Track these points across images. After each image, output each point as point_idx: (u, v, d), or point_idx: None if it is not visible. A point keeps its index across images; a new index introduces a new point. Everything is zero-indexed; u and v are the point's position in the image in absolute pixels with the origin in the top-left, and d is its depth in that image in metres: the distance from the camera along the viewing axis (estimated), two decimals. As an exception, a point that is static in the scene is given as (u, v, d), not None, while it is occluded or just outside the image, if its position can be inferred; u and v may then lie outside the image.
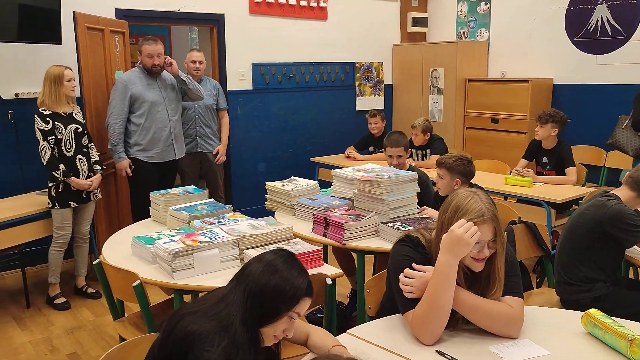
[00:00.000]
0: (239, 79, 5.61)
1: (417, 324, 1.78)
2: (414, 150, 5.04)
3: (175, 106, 4.33)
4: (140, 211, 4.19)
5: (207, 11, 5.31)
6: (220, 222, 2.79)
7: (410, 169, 3.64)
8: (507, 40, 6.16)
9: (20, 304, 3.90)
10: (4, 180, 4.37)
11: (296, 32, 5.91)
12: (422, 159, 5.07)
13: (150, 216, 3.28)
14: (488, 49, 6.33)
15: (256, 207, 5.61)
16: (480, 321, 1.80)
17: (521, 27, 5.99)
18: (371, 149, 5.60)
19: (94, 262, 2.59)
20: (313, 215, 2.99)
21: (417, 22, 6.78)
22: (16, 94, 4.40)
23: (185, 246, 2.37)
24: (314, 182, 3.43)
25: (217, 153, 4.91)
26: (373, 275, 3.78)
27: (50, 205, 3.73)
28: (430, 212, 3.06)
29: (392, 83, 6.86)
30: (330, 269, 2.46)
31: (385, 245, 2.76)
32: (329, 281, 2.33)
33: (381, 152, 5.46)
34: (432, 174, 3.85)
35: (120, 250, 2.71)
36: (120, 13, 4.82)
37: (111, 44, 4.46)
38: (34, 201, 3.96)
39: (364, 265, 2.88)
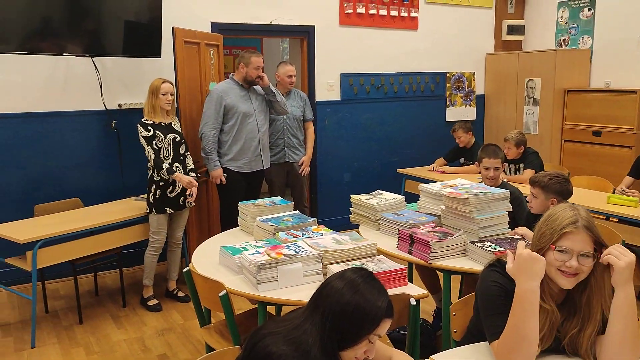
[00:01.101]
0: (327, 89, 5.65)
1: (502, 354, 1.68)
2: (506, 165, 4.83)
3: (264, 117, 4.43)
4: (228, 219, 4.32)
5: (298, 23, 5.40)
6: (305, 234, 2.80)
7: (503, 185, 3.49)
8: (613, 48, 5.76)
9: (118, 303, 4.13)
10: (107, 185, 4.66)
11: (386, 42, 5.87)
12: (515, 174, 4.85)
13: (237, 225, 3.36)
14: (591, 58, 5.95)
15: (340, 217, 5.62)
16: None
17: (629, 34, 5.58)
18: (462, 160, 5.44)
19: (184, 270, 2.68)
20: (398, 231, 2.92)
21: (512, 30, 6.52)
22: (119, 105, 4.68)
23: (270, 259, 2.39)
24: (400, 197, 3.37)
25: (302, 164, 4.97)
26: (459, 295, 3.68)
27: (147, 211, 3.93)
28: (524, 232, 2.90)
29: (484, 93, 6.64)
30: (414, 289, 2.38)
31: (474, 266, 2.65)
32: (413, 302, 2.26)
33: (471, 164, 5.31)
34: (525, 189, 3.66)
35: (208, 259, 2.78)
36: (216, 27, 5.01)
37: (206, 56, 4.64)
38: (132, 206, 4.18)
39: (450, 286, 2.78)
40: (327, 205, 5.76)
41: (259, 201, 3.35)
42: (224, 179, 4.27)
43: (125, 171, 4.69)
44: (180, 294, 4.18)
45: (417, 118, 6.21)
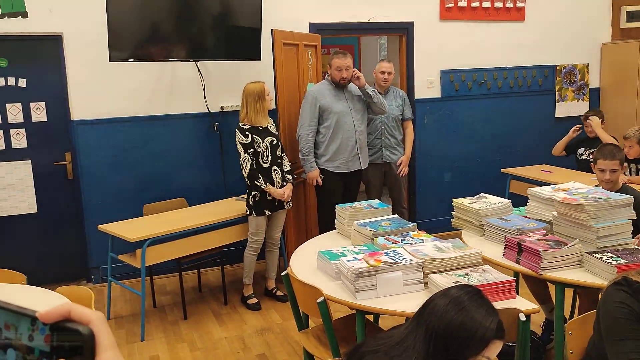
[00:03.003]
0: (427, 86, 5.47)
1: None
2: (626, 164, 4.41)
3: (361, 117, 4.36)
4: (326, 220, 4.30)
5: (397, 20, 5.27)
6: (404, 240, 2.71)
7: (623, 188, 3.17)
8: None
9: (219, 301, 4.25)
10: (210, 185, 4.83)
11: (489, 36, 5.59)
12: (637, 174, 4.42)
13: (335, 226, 3.33)
14: None
15: (440, 219, 5.45)
16: None
17: None
18: (581, 150, 5.03)
19: (282, 274, 2.68)
20: (505, 238, 2.74)
21: (633, 16, 5.96)
22: (221, 107, 4.82)
23: (368, 266, 2.33)
24: (507, 201, 3.17)
25: (401, 164, 4.85)
26: (571, 309, 3.40)
27: (247, 213, 4.00)
28: (649, 243, 2.62)
29: (599, 86, 6.13)
30: (524, 303, 2.21)
31: (591, 279, 2.42)
32: (522, 317, 2.10)
33: (592, 154, 4.92)
34: (651, 193, 3.32)
35: (307, 262, 2.76)
36: (314, 27, 5.01)
37: (304, 57, 4.65)
38: (233, 207, 4.29)
39: (564, 300, 2.56)
40: (426, 206, 5.59)
41: (356, 204, 3.29)
42: (320, 180, 4.26)
43: (227, 171, 4.83)
44: (279, 293, 4.23)
45: (523, 115, 5.86)
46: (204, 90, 4.72)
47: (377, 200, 3.39)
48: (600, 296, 1.74)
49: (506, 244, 2.70)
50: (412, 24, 5.33)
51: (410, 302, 2.28)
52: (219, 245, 4.09)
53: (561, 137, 5.16)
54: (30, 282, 2.91)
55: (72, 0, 4.32)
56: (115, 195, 4.62)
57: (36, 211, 4.53)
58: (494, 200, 3.20)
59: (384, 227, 2.90)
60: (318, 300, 2.32)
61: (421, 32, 5.36)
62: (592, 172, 4.65)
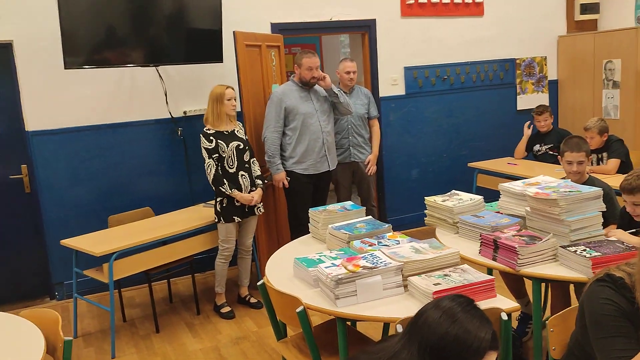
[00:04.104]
0: (391, 84, 5.47)
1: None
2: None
3: (327, 117, 4.32)
4: (297, 223, 4.26)
5: (359, 17, 5.25)
6: (381, 242, 2.68)
7: (590, 180, 3.22)
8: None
9: (191, 311, 4.15)
10: (175, 192, 4.70)
11: (450, 32, 5.63)
12: (598, 164, 4.52)
13: (307, 230, 3.27)
14: (676, 33, 5.48)
15: (410, 214, 5.46)
16: None
17: None
18: (537, 147, 5.13)
19: (258, 283, 2.61)
20: (480, 235, 2.74)
21: (586, 9, 6.10)
22: (184, 112, 4.70)
23: (347, 272, 2.28)
24: (479, 197, 3.18)
25: (369, 163, 4.83)
26: (545, 301, 3.44)
27: (216, 220, 3.91)
28: (619, 235, 2.66)
29: (557, 78, 6.26)
30: (505, 302, 2.21)
31: (566, 272, 2.44)
32: (504, 316, 2.09)
33: (548, 150, 5.02)
34: (612, 181, 3.41)
35: (282, 270, 2.70)
36: (276, 27, 4.94)
37: (267, 58, 4.57)
38: (201, 214, 4.18)
39: (541, 295, 2.57)
40: (396, 203, 5.60)
41: (330, 207, 3.25)
42: (286, 183, 4.20)
43: (192, 177, 4.72)
44: (253, 300, 4.15)
45: (486, 108, 5.93)
46: (166, 95, 4.59)
47: (350, 202, 3.35)
48: (584, 291, 1.74)
49: (482, 242, 2.70)
50: (374, 21, 5.32)
51: (391, 306, 2.25)
52: (189, 255, 3.99)
53: (522, 130, 5.24)
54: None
55: (22, 5, 4.13)
56: (76, 207, 4.45)
57: (-7, 228, 4.32)
58: (466, 197, 3.21)
59: (359, 229, 2.87)
60: (297, 310, 2.26)
61: (383, 30, 5.36)
62: (553, 163, 4.78)
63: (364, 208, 3.23)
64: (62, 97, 4.33)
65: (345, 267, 2.33)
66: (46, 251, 4.44)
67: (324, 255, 2.59)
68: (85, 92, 4.39)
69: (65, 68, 3.92)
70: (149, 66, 4.38)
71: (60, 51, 3.90)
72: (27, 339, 2.18)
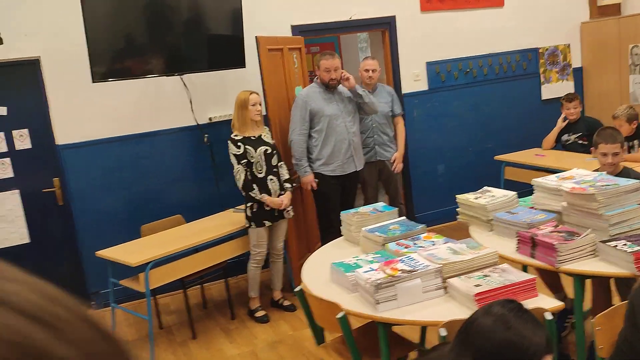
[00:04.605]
0: (414, 80, 5.44)
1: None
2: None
3: (352, 118, 4.32)
4: (326, 225, 4.27)
5: (378, 15, 5.23)
6: (416, 244, 2.67)
7: (624, 171, 3.17)
8: None
9: (226, 316, 4.18)
10: (204, 198, 4.74)
11: (471, 24, 5.57)
12: (628, 152, 4.45)
13: (337, 231, 3.28)
14: None
15: (437, 210, 5.44)
16: None
17: None
18: (565, 136, 5.05)
19: (296, 289, 2.63)
20: (517, 233, 2.72)
21: (609, -7, 5.99)
22: (210, 118, 4.73)
23: (386, 276, 2.28)
24: (512, 194, 3.14)
25: (394, 160, 4.82)
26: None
27: (247, 225, 3.93)
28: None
29: (581, 65, 6.16)
30: (548, 301, 2.19)
31: (608, 268, 2.41)
32: (548, 316, 2.07)
33: (577, 139, 4.94)
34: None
35: (318, 275, 2.71)
36: (296, 29, 4.94)
37: (290, 60, 4.58)
38: (231, 219, 4.21)
39: (583, 292, 2.54)
40: (423, 200, 5.57)
41: (361, 209, 3.25)
42: (314, 185, 4.21)
43: (220, 183, 4.75)
44: (286, 303, 4.18)
45: (510, 100, 5.87)
46: (191, 102, 4.63)
47: (381, 204, 3.35)
48: (634, 288, 1.72)
49: (519, 240, 2.68)
50: (393, 18, 5.29)
51: (432, 309, 2.25)
52: (222, 261, 4.02)
53: (549, 120, 5.17)
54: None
55: (47, 23, 4.19)
56: (109, 217, 4.52)
57: (29, 241, 4.41)
58: (499, 194, 3.18)
59: (393, 231, 2.86)
60: (338, 316, 2.27)
61: (403, 26, 5.33)
62: (583, 153, 4.71)
63: (396, 209, 3.23)
64: (90, 110, 4.40)
65: (384, 271, 2.33)
66: (81, 261, 4.52)
67: (361, 260, 2.59)
68: (112, 104, 4.45)
69: (93, 81, 3.98)
70: (173, 75, 4.42)
71: (85, 65, 3.96)
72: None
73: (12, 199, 4.34)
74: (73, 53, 4.20)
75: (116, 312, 4.14)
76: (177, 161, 4.71)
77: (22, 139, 4.34)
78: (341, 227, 3.25)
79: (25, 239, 4.40)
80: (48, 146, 4.39)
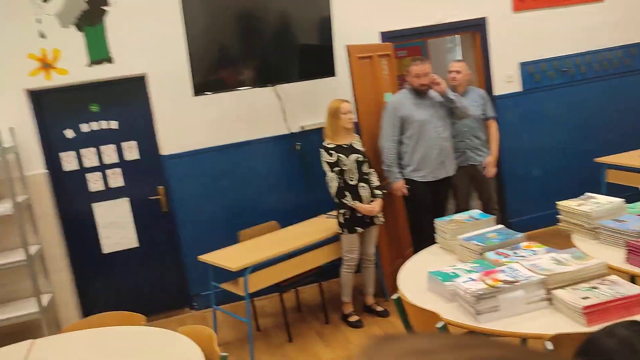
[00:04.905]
0: (506, 82, 5.30)
1: None
2: None
3: (444, 124, 4.27)
4: (418, 231, 4.27)
5: (468, 17, 5.14)
6: (517, 253, 2.62)
7: None
8: None
9: (320, 320, 4.28)
10: (297, 204, 4.87)
11: (567, 22, 5.34)
12: None
13: (429, 237, 3.26)
14: None
15: (533, 215, 5.25)
16: None
17: None
18: None
19: (393, 297, 2.65)
20: (626, 242, 2.59)
21: None
22: (301, 127, 4.86)
23: (487, 287, 2.26)
24: (619, 200, 2.99)
25: (488, 165, 4.71)
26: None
27: (339, 231, 4.01)
28: None
29: (692, 59, 5.72)
30: (664, 316, 2.07)
31: None
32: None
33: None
34: None
35: (415, 283, 2.72)
36: (385, 36, 4.96)
37: (379, 67, 4.61)
38: (323, 225, 4.31)
39: (703, 306, 2.38)
40: (518, 204, 5.41)
41: (456, 217, 3.22)
42: (405, 191, 4.21)
43: (312, 189, 4.86)
44: (379, 308, 4.21)
45: (611, 98, 5.55)
46: (284, 112, 4.78)
47: (477, 211, 3.30)
48: None
49: (629, 249, 2.55)
50: (484, 20, 5.18)
51: (536, 321, 2.19)
52: (316, 266, 4.12)
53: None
54: (137, 312, 3.00)
55: (153, 42, 4.48)
56: (208, 223, 4.76)
57: (137, 245, 4.74)
58: (604, 200, 3.04)
59: (491, 239, 2.82)
60: (438, 326, 2.27)
61: (495, 27, 5.20)
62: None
63: (493, 217, 3.16)
64: (190, 122, 4.65)
65: (484, 282, 2.31)
66: (184, 265, 4.79)
67: (459, 269, 2.58)
68: (210, 116, 4.69)
69: (195, 95, 4.21)
70: (266, 86, 4.58)
71: (187, 80, 4.21)
72: (187, 356, 2.38)
73: (123, 206, 4.68)
74: (175, 69, 4.47)
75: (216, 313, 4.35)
76: (271, 169, 4.87)
77: (131, 150, 4.67)
78: (435, 234, 3.23)
79: (135, 243, 4.73)
80: (154, 156, 4.69)
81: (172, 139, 4.65)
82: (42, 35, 4.27)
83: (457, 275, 2.49)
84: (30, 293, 4.28)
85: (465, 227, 3.07)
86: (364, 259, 4.19)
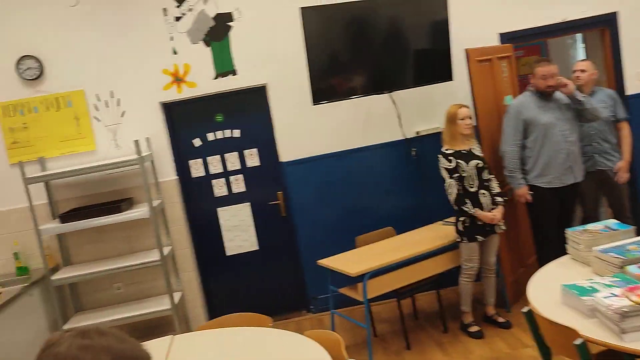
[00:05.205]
0: (640, 80, 4.92)
1: None
2: None
3: (570, 127, 4.05)
4: (542, 240, 4.08)
5: (596, 13, 4.83)
6: (663, 268, 2.42)
7: None
8: None
9: (438, 328, 4.22)
10: (413, 210, 4.84)
11: None
12: None
13: (554, 247, 3.11)
14: None
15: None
16: None
17: None
18: None
19: (524, 310, 2.56)
20: None
21: None
22: (417, 132, 4.83)
23: (632, 304, 2.11)
24: None
25: (619, 170, 4.40)
26: None
27: (459, 239, 3.93)
28: None
29: None
30: None
31: None
32: None
33: None
34: None
35: (546, 296, 2.60)
36: (504, 37, 4.80)
37: (498, 70, 4.47)
38: (440, 232, 4.25)
39: None
40: (654, 213, 4.99)
41: (589, 227, 3.03)
42: (529, 197, 4.04)
43: (427, 195, 4.81)
44: (500, 319, 4.07)
45: None
46: (399, 118, 4.78)
47: (613, 221, 3.09)
48: None
49: None
50: (614, 14, 4.84)
51: (690, 343, 2.02)
52: (434, 274, 4.07)
53: None
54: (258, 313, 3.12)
55: (273, 54, 4.67)
56: (325, 228, 4.86)
57: (258, 248, 4.95)
58: None
59: (633, 252, 2.63)
60: (577, 343, 2.16)
61: (628, 22, 4.84)
62: None
63: (634, 228, 2.95)
64: (307, 129, 4.78)
65: (628, 298, 2.16)
66: (301, 268, 4.93)
67: (597, 283, 2.43)
68: (327, 123, 4.79)
69: (314, 104, 4.32)
70: (381, 93, 4.60)
71: (305, 89, 4.35)
72: None
73: (245, 211, 4.91)
74: (294, 78, 4.63)
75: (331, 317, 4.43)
76: (387, 174, 4.88)
77: (252, 157, 4.89)
78: (566, 245, 3.07)
79: (255, 247, 4.95)
80: (273, 163, 4.88)
81: (290, 145, 4.81)
82: (175, 52, 4.60)
83: (595, 290, 2.35)
84: (163, 291, 4.62)
85: (600, 238, 2.89)
86: (484, 268, 4.07)
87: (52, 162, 4.60)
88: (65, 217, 4.26)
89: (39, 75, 4.50)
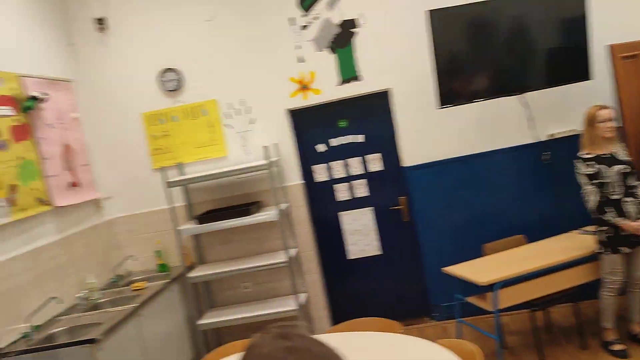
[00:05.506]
0: None
1: None
2: None
3: None
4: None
5: None
6: None
7: None
8: None
9: (574, 343, 3.95)
10: (545, 218, 4.58)
11: None
12: None
13: None
14: None
15: None
16: None
17: None
18: None
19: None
20: None
21: None
22: (550, 135, 4.57)
23: None
24: None
25: None
26: None
27: (599, 250, 3.66)
28: None
29: None
30: None
31: None
32: None
33: None
34: None
35: None
36: (651, 31, 4.39)
37: (645, 67, 4.10)
38: (576, 242, 3.97)
39: None
40: None
41: None
42: None
43: (562, 202, 4.53)
44: (647, 339, 3.74)
45: None
46: (529, 120, 4.55)
47: None
48: None
49: None
50: None
51: None
52: (571, 286, 3.82)
53: None
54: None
55: (397, 57, 4.65)
56: (449, 234, 4.75)
57: (380, 253, 4.95)
58: None
59: None
60: None
61: None
62: None
63: None
64: (431, 133, 4.71)
65: None
66: (424, 274, 4.86)
67: None
68: (452, 127, 4.68)
69: (440, 107, 4.24)
70: (512, 95, 4.41)
71: (429, 93, 4.29)
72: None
73: (367, 215, 4.94)
74: (418, 82, 4.59)
75: (456, 325, 4.31)
76: (516, 180, 4.67)
77: (375, 162, 4.90)
78: None
79: (378, 251, 4.96)
80: (395, 168, 4.86)
81: (413, 150, 4.76)
82: (301, 60, 4.73)
83: None
84: (288, 291, 4.77)
85: None
86: (629, 283, 3.75)
87: (189, 167, 4.93)
88: (202, 219, 4.54)
89: (179, 87, 4.85)
